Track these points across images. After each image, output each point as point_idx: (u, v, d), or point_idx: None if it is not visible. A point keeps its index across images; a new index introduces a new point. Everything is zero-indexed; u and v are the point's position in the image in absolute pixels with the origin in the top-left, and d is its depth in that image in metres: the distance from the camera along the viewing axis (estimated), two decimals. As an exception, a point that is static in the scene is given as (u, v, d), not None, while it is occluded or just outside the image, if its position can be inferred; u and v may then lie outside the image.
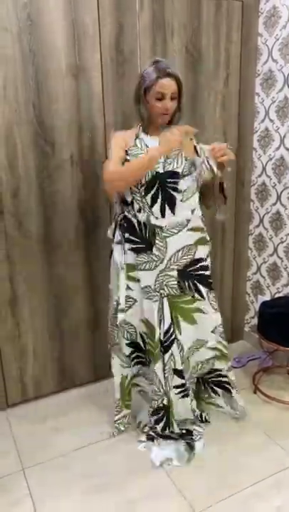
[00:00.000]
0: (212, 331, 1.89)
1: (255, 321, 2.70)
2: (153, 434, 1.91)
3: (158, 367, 1.80)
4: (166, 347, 1.79)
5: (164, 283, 1.75)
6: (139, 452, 1.88)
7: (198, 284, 1.79)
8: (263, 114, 2.37)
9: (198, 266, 1.79)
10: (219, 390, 2.03)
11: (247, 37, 2.28)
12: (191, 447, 1.86)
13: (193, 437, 1.90)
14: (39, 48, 1.81)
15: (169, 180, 1.66)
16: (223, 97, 2.31)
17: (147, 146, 1.68)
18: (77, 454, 1.88)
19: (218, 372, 1.99)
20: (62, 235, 2.08)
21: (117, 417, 1.98)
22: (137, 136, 1.71)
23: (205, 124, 2.28)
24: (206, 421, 2.01)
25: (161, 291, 1.75)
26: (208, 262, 1.82)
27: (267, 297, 2.57)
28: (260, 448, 1.89)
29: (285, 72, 2.18)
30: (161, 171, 1.66)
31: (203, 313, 1.84)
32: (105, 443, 1.94)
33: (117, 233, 1.78)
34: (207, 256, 1.82)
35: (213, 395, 2.05)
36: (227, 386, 2.01)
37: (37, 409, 2.19)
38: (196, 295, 1.80)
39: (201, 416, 2.02)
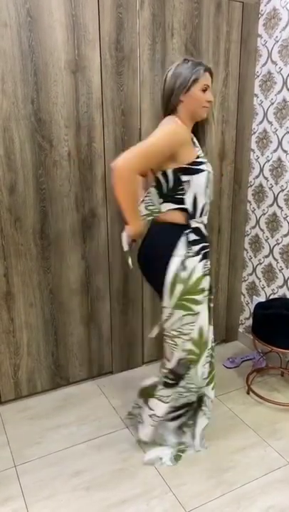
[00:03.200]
0: None
1: (249, 321, 2.70)
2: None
3: (202, 362, 1.77)
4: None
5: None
6: (130, 451, 1.87)
7: None
8: (262, 116, 2.37)
9: None
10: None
11: (247, 37, 2.29)
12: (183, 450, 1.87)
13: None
14: (38, 44, 1.81)
15: None
16: (222, 97, 2.31)
17: (199, 148, 1.66)
18: (70, 452, 1.88)
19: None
20: (59, 231, 2.08)
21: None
22: (192, 139, 1.62)
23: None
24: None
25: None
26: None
27: (262, 298, 2.58)
28: (252, 448, 1.89)
29: (284, 74, 2.19)
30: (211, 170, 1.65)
31: None
32: (97, 441, 1.94)
33: (183, 249, 1.59)
34: None
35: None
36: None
37: (30, 406, 2.18)
38: None
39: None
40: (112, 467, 1.79)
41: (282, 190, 2.31)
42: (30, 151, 1.91)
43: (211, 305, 1.77)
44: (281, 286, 2.43)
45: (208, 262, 1.69)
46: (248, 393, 2.27)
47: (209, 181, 1.62)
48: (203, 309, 1.69)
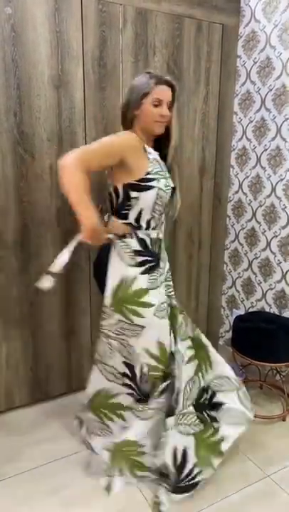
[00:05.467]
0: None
1: (229, 334, 2.73)
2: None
3: (184, 378, 1.75)
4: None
5: (167, 293, 1.79)
6: (110, 466, 1.86)
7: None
8: (241, 133, 2.44)
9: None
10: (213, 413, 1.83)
11: (226, 58, 2.36)
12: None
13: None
14: (22, 59, 1.83)
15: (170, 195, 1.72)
16: (202, 114, 2.37)
17: (159, 162, 1.65)
18: (48, 468, 1.84)
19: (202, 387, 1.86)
20: (40, 244, 2.07)
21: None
22: (144, 150, 1.62)
23: (184, 139, 2.33)
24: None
25: (170, 301, 1.79)
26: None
27: (241, 311, 2.61)
28: (231, 462, 1.90)
29: (262, 94, 2.26)
30: (172, 185, 1.71)
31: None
32: (77, 456, 1.91)
33: (126, 257, 1.66)
34: None
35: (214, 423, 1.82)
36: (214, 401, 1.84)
37: (8, 421, 2.14)
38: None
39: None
40: (91, 483, 1.77)
41: (261, 206, 2.37)
42: (11, 164, 1.91)
43: (179, 320, 1.81)
44: (260, 300, 2.48)
45: (159, 277, 1.71)
46: (227, 406, 2.28)
47: (160, 197, 1.63)
48: (154, 324, 1.66)
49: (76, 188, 1.43)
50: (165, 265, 1.79)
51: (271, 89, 2.21)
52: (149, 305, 1.65)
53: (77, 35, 1.92)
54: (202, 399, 1.84)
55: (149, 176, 1.59)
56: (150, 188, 1.59)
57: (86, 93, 2.00)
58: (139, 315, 1.65)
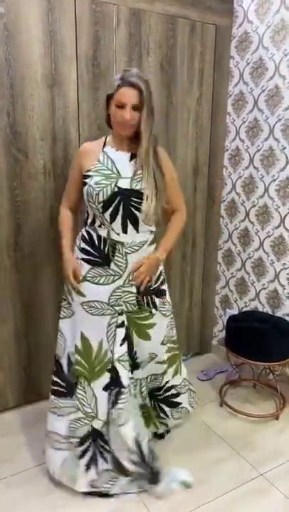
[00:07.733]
0: (162, 342, 1.81)
1: (223, 334, 2.74)
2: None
3: (98, 385, 1.68)
4: (135, 364, 1.77)
5: (122, 299, 1.68)
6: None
7: (154, 297, 1.76)
8: (234, 134, 2.45)
9: (158, 280, 1.78)
10: (167, 409, 1.93)
11: (220, 58, 2.37)
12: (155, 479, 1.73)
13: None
14: (15, 59, 1.82)
15: (133, 199, 1.59)
16: (195, 115, 2.37)
17: (113, 162, 1.62)
18: (43, 468, 1.84)
19: (168, 386, 1.90)
20: (34, 244, 2.06)
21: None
22: (102, 149, 1.66)
23: (177, 139, 2.34)
24: (162, 437, 2.02)
25: (119, 307, 1.68)
26: (161, 271, 1.80)
27: (234, 311, 2.62)
28: (225, 461, 1.90)
29: (255, 95, 2.28)
30: (127, 187, 1.58)
31: (157, 325, 1.77)
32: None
33: (75, 246, 1.75)
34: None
35: (162, 415, 1.94)
36: (174, 400, 1.94)
37: (2, 422, 2.13)
38: (153, 310, 1.75)
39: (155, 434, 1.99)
40: (85, 484, 1.76)
41: (254, 206, 2.38)
42: (5, 163, 1.91)
43: (120, 323, 1.70)
44: (253, 299, 2.49)
45: (100, 273, 1.66)
46: (221, 405, 2.29)
47: (89, 194, 1.60)
48: (80, 315, 1.69)
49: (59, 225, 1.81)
50: (124, 272, 1.66)
51: (264, 90, 2.23)
52: (81, 294, 1.69)
53: (71, 34, 1.91)
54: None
55: (87, 173, 1.63)
56: (84, 184, 1.64)
57: (80, 92, 2.00)
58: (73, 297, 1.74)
